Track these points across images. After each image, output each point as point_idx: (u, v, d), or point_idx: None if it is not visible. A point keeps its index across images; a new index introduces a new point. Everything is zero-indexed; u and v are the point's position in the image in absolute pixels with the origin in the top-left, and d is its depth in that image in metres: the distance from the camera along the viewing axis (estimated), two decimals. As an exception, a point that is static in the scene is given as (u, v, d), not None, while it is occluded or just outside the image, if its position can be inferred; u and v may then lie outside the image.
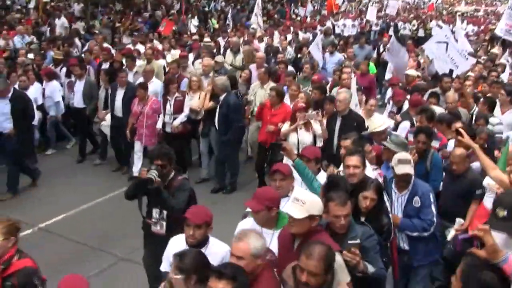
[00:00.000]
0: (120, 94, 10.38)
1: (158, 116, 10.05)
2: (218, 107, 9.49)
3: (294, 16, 28.56)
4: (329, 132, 8.27)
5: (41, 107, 11.07)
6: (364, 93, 10.96)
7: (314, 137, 8.25)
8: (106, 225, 8.34)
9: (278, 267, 4.17)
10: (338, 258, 3.90)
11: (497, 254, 3.38)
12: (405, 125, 8.37)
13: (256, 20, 17.94)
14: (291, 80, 10.65)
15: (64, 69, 12.04)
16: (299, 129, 8.23)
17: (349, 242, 4.18)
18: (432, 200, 5.70)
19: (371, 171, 6.09)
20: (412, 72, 11.51)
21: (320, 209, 4.22)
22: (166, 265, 4.72)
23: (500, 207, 3.71)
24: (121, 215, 8.08)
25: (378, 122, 8.08)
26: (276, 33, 18.82)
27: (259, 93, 10.42)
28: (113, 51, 13.96)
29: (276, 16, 28.23)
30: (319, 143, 8.15)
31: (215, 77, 10.31)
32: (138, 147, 10.15)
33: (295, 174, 5.62)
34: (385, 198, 5.41)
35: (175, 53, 13.81)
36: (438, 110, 8.41)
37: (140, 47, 14.66)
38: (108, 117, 10.64)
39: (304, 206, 4.10)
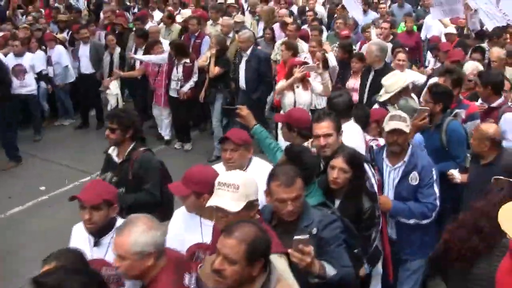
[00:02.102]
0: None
1: None
2: (244, 62, 8.92)
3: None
4: (361, 88, 7.50)
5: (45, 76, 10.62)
6: (410, 54, 9.92)
7: None
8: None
9: None
10: (280, 262, 2.97)
11: None
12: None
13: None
14: (316, 34, 9.68)
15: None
16: (296, 87, 7.20)
17: (296, 238, 3.11)
18: (435, 177, 4.56)
19: (360, 142, 4.93)
20: (451, 29, 10.36)
21: (257, 190, 3.26)
22: None
23: None
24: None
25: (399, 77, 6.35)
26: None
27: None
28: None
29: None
30: (319, 102, 7.32)
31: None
32: (157, 111, 9.94)
33: None
34: (370, 173, 4.37)
35: (186, 12, 12.84)
36: (473, 65, 7.12)
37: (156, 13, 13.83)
38: (113, 84, 10.07)
39: (239, 192, 3.12)
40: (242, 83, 9.07)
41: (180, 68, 9.30)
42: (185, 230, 3.76)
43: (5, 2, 15.95)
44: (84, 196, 3.55)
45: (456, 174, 5.16)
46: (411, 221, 4.56)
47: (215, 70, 9.02)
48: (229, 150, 4.26)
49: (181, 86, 9.32)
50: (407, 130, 4.52)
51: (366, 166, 4.34)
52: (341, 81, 8.54)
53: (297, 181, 3.37)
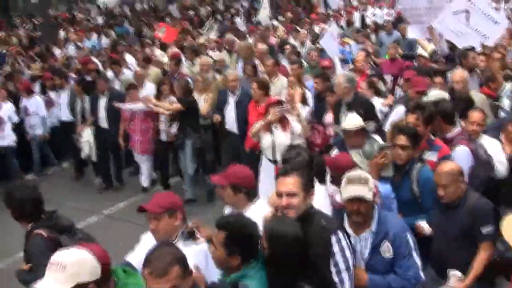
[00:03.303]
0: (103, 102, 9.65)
1: (152, 121, 9.30)
2: (233, 103, 8.62)
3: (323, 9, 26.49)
4: (336, 123, 7.21)
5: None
6: (394, 83, 9.84)
7: None
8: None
9: None
10: None
11: None
12: (400, 110, 6.86)
13: (265, 14, 16.72)
14: (294, 68, 9.21)
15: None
16: (274, 128, 6.91)
17: None
18: (412, 244, 3.85)
19: (325, 205, 4.45)
20: (423, 52, 9.96)
21: (94, 271, 2.84)
22: None
23: None
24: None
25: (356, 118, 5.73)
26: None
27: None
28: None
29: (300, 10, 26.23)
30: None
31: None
32: (136, 156, 9.67)
33: None
34: (337, 247, 3.56)
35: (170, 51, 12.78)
36: (437, 94, 6.60)
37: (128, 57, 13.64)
38: (86, 131, 9.83)
39: (65, 272, 2.76)
40: (231, 126, 8.66)
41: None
42: None
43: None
44: None
45: (425, 226, 4.63)
46: None
47: (172, 107, 8.70)
48: (152, 220, 3.74)
49: (170, 126, 8.97)
50: (370, 196, 3.81)
51: (335, 237, 3.58)
52: (316, 117, 8.07)
53: (172, 270, 2.83)
